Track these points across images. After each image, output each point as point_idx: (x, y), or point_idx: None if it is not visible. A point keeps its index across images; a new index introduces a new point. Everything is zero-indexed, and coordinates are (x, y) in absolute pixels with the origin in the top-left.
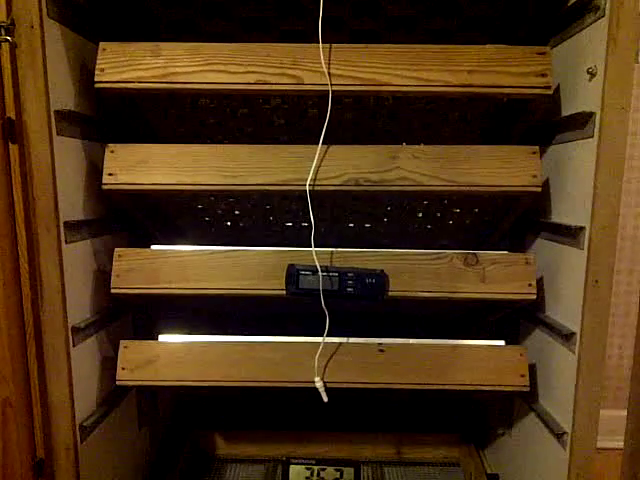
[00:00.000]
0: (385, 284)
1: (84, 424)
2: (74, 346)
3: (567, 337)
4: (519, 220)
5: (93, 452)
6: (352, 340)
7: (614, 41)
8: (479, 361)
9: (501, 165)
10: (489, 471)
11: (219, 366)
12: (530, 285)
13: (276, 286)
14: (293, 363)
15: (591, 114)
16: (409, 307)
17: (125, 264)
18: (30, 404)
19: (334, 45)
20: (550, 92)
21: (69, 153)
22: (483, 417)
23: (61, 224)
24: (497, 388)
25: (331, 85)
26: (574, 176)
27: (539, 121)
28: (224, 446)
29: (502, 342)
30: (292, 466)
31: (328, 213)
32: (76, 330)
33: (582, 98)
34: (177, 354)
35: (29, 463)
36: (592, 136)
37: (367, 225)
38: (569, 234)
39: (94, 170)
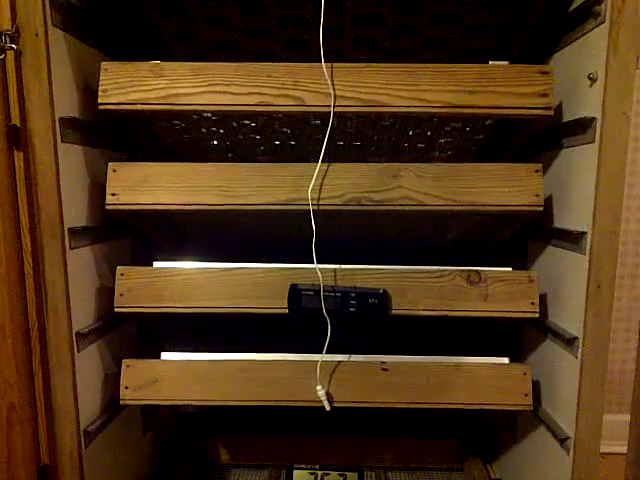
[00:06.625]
0: (387, 303)
1: (88, 429)
2: (78, 352)
3: (570, 342)
4: (521, 225)
5: (97, 457)
6: (355, 358)
7: (614, 47)
8: (483, 380)
9: (503, 184)
10: (492, 476)
11: (222, 385)
12: (533, 303)
13: (279, 304)
14: (296, 381)
15: (592, 119)
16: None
17: (128, 283)
18: (35, 409)
19: (335, 64)
20: (551, 113)
21: (73, 160)
22: (486, 422)
23: (65, 230)
24: (500, 407)
25: (333, 107)
26: (575, 181)
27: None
28: (227, 452)
29: (506, 359)
30: (296, 471)
31: (327, 223)
32: (80, 336)
33: (583, 104)
34: (179, 373)
35: (34, 468)
36: (593, 141)
37: (368, 232)
38: (571, 239)
39: (97, 177)
